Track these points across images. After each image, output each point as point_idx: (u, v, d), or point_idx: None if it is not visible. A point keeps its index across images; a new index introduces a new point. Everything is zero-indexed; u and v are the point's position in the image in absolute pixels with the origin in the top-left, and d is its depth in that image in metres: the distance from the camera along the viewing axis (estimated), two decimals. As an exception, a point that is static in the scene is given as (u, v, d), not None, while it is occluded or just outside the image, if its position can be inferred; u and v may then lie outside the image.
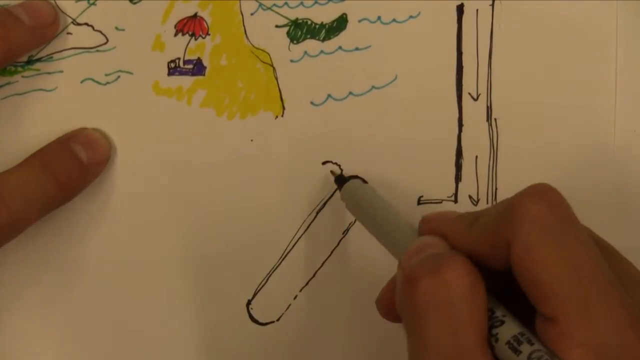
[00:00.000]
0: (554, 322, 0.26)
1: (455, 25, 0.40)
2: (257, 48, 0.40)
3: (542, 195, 0.28)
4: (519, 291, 0.27)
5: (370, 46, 0.40)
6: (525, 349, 0.27)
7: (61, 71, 0.39)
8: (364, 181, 0.41)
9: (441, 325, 0.27)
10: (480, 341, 0.27)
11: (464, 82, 0.41)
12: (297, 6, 0.39)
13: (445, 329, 0.27)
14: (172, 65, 0.39)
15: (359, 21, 0.40)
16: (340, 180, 0.40)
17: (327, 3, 0.40)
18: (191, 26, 0.39)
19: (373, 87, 0.41)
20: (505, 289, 0.29)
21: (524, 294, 0.27)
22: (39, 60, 0.38)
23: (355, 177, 0.40)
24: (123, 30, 0.39)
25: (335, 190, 0.41)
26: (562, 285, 0.26)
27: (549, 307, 0.26)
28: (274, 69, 0.40)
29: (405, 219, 0.35)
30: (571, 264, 0.26)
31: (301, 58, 0.40)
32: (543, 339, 0.27)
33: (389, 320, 0.32)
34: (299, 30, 0.40)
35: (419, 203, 0.41)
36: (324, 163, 0.41)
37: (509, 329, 0.27)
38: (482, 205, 0.42)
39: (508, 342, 0.27)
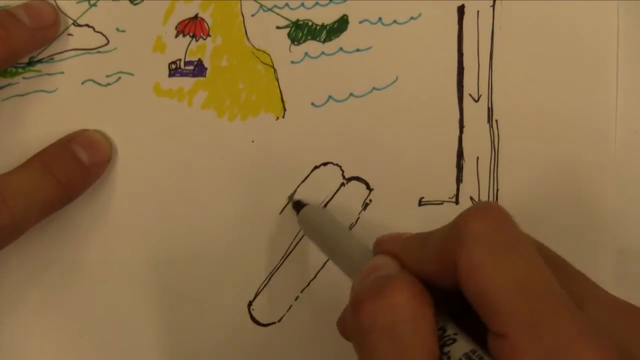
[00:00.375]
0: (504, 339, 0.26)
1: (456, 27, 0.41)
2: (258, 49, 0.40)
3: (487, 214, 0.28)
4: (471, 311, 0.28)
5: (371, 47, 0.40)
6: None
7: (62, 72, 0.39)
8: (364, 181, 0.41)
9: (388, 348, 0.27)
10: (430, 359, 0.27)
11: (465, 84, 0.41)
12: (298, 7, 0.39)
13: (392, 352, 0.27)
14: (173, 66, 0.39)
15: (360, 22, 0.40)
16: (297, 206, 0.40)
17: (328, 4, 0.40)
18: (192, 27, 0.39)
19: (374, 88, 0.41)
20: (461, 307, 0.29)
21: (472, 313, 0.27)
22: (39, 61, 0.38)
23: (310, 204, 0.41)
24: (124, 31, 0.39)
25: (337, 191, 0.41)
26: (509, 302, 0.26)
27: (498, 324, 0.26)
28: (274, 70, 0.40)
29: (361, 242, 0.35)
30: (517, 280, 0.26)
31: (302, 59, 0.40)
32: (495, 355, 0.26)
33: (349, 341, 0.32)
34: (300, 32, 0.40)
35: (420, 204, 0.41)
36: (324, 164, 0.41)
37: (461, 347, 0.27)
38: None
39: None
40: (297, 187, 0.41)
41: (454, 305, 0.29)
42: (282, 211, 0.41)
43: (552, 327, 0.26)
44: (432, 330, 0.27)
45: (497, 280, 0.26)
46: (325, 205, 0.41)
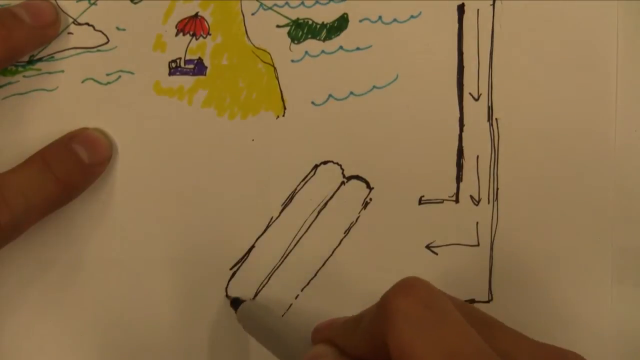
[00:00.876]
0: None
1: (456, 25, 0.41)
2: (258, 48, 0.40)
3: (410, 289, 0.28)
4: None
5: (371, 46, 0.40)
6: None
7: (62, 71, 0.39)
8: (364, 180, 0.41)
9: None
10: None
11: (465, 82, 0.41)
12: (298, 6, 0.39)
13: None
14: (173, 65, 0.39)
15: (360, 21, 0.40)
16: (235, 303, 0.40)
17: (328, 3, 0.40)
18: (192, 26, 0.39)
19: (374, 87, 0.41)
20: None
21: None
22: (40, 60, 0.38)
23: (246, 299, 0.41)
24: (124, 30, 0.39)
25: (337, 189, 0.41)
26: None
27: None
28: (275, 68, 0.40)
29: (301, 333, 0.35)
30: (446, 352, 0.26)
31: (302, 58, 0.40)
32: None
33: None
34: (300, 30, 0.40)
35: (420, 203, 0.41)
36: (324, 163, 0.41)
37: None
38: (484, 206, 0.42)
39: None
40: (298, 185, 0.41)
41: None
42: (282, 210, 0.41)
43: None
44: None
45: (427, 356, 0.26)
46: (326, 204, 0.41)
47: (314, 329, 0.34)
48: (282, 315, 0.42)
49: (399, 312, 0.27)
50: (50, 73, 0.39)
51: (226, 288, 0.41)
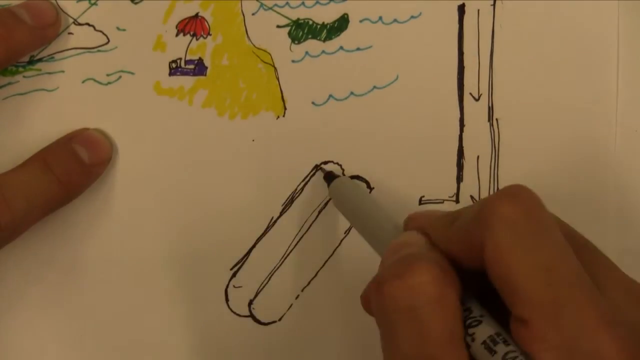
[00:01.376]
0: (526, 325, 0.26)
1: (457, 25, 0.41)
2: (258, 48, 0.40)
3: (515, 197, 0.28)
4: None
5: (371, 46, 0.40)
6: (501, 349, 0.27)
7: (62, 71, 0.39)
8: (364, 180, 0.41)
9: (409, 330, 0.27)
10: (453, 343, 0.27)
11: (465, 82, 0.41)
12: (298, 6, 0.39)
13: (413, 333, 0.27)
14: (174, 65, 0.39)
15: (360, 21, 0.40)
16: (329, 177, 0.40)
17: (328, 3, 0.40)
18: (192, 26, 0.39)
19: (374, 87, 0.41)
20: (487, 289, 0.28)
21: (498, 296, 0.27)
22: (40, 60, 0.38)
23: (344, 175, 0.40)
24: (124, 30, 0.39)
25: (337, 190, 0.41)
26: (533, 288, 0.26)
27: (521, 309, 0.26)
28: (275, 69, 0.40)
29: (392, 217, 0.35)
30: (542, 267, 0.26)
31: (302, 58, 0.40)
32: (517, 340, 0.27)
33: (371, 316, 0.32)
34: (300, 31, 0.40)
35: (420, 203, 0.41)
36: (325, 163, 0.41)
37: (485, 329, 0.27)
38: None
39: (484, 342, 0.27)
40: (298, 185, 0.41)
41: (481, 286, 0.29)
42: (282, 210, 0.41)
43: (573, 316, 0.25)
44: (454, 312, 0.27)
45: (522, 265, 0.26)
46: (326, 204, 0.41)
47: (408, 217, 0.33)
48: (280, 319, 0.42)
49: (501, 216, 0.27)
50: (50, 73, 0.39)
51: (226, 288, 0.41)
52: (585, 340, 0.25)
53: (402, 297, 0.27)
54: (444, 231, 0.30)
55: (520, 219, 0.27)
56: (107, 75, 0.39)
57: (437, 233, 0.30)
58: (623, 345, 0.25)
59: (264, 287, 0.41)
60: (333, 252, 0.41)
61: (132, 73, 0.39)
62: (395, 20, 0.40)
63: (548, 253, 0.27)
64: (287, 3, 0.39)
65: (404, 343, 0.27)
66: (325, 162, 0.41)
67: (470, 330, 0.28)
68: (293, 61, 0.40)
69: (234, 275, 0.41)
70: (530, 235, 0.27)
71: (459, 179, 0.42)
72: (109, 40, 0.39)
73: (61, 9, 0.38)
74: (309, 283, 0.42)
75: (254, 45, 0.40)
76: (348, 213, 0.38)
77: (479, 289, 0.29)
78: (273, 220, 0.41)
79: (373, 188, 0.41)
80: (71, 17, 0.38)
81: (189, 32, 0.39)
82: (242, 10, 0.39)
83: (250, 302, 0.42)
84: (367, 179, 0.41)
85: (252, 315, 0.42)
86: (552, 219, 0.28)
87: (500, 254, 0.27)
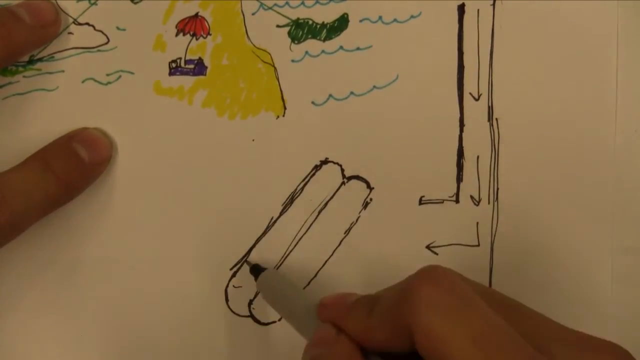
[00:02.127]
0: None
1: (457, 25, 0.41)
2: (258, 48, 0.40)
3: (433, 278, 0.29)
4: None
5: (371, 46, 0.40)
6: None
7: (62, 71, 0.39)
8: (364, 180, 0.41)
9: None
10: None
11: (465, 82, 0.41)
12: (298, 6, 0.39)
13: None
14: (173, 65, 0.39)
15: (360, 21, 0.40)
16: (256, 270, 0.40)
17: (328, 3, 0.40)
18: (192, 26, 0.39)
19: (374, 87, 0.41)
20: None
21: None
22: (40, 60, 0.38)
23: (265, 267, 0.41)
24: (124, 30, 0.39)
25: (338, 189, 0.41)
26: (468, 358, 0.27)
27: None
28: (275, 68, 0.40)
29: (312, 303, 0.35)
30: (474, 338, 0.27)
31: (302, 58, 0.40)
32: None
33: None
34: (300, 30, 0.40)
35: (420, 203, 0.41)
36: (325, 163, 0.41)
37: None
38: (484, 206, 0.42)
39: None
40: (298, 185, 0.41)
41: None
42: (282, 210, 0.41)
43: None
44: None
45: (455, 339, 0.27)
46: (326, 205, 0.41)
47: (320, 303, 0.34)
48: (280, 319, 0.42)
49: (424, 299, 0.28)
50: (50, 73, 0.39)
51: (226, 288, 0.41)
52: None
53: None
54: (362, 321, 0.31)
55: (443, 298, 0.28)
56: (107, 75, 0.39)
57: (354, 325, 0.31)
58: None
59: (263, 287, 0.41)
60: (333, 253, 0.41)
61: (132, 73, 0.39)
62: (395, 20, 0.40)
63: (477, 323, 0.27)
64: (287, 3, 0.39)
65: None
66: (326, 162, 0.41)
67: None
68: (293, 61, 0.40)
69: (234, 275, 0.41)
70: (457, 311, 0.28)
71: (459, 179, 0.42)
72: (108, 40, 0.39)
73: (61, 8, 0.38)
74: (309, 283, 0.42)
75: (254, 45, 0.40)
76: (275, 303, 0.39)
77: None
78: (273, 220, 0.41)
79: (373, 188, 0.41)
80: (71, 17, 0.38)
81: (188, 32, 0.39)
82: (242, 10, 0.39)
83: (250, 302, 0.42)
84: (367, 178, 0.41)
85: (252, 315, 0.42)
86: (474, 292, 0.29)
87: (430, 335, 0.27)
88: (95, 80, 0.39)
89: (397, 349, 0.30)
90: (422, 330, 0.28)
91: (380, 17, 0.40)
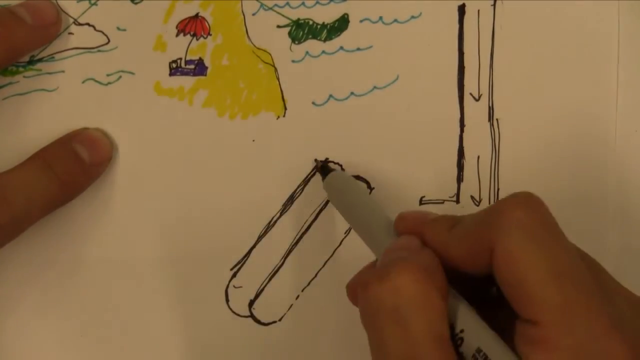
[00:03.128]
0: (535, 326, 0.26)
1: (457, 26, 0.41)
2: (258, 48, 0.40)
3: (527, 203, 0.28)
4: (495, 296, 0.28)
5: (371, 46, 0.40)
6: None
7: (63, 71, 0.39)
8: (364, 180, 0.41)
9: (394, 331, 0.27)
10: (438, 343, 0.27)
11: (465, 83, 0.41)
12: (298, 6, 0.39)
13: (398, 333, 0.27)
14: (174, 65, 0.39)
15: (361, 21, 0.40)
16: (324, 170, 0.40)
17: (328, 3, 0.40)
18: (193, 26, 0.39)
19: (374, 87, 0.41)
20: (480, 295, 0.29)
21: (499, 298, 0.28)
22: (40, 60, 0.38)
23: (338, 168, 0.40)
24: (124, 30, 0.39)
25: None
26: (544, 290, 0.26)
27: (531, 311, 0.27)
28: (275, 69, 0.40)
29: (387, 216, 0.35)
30: (553, 270, 0.27)
31: (303, 58, 0.40)
32: (524, 341, 0.27)
33: (355, 305, 0.32)
34: (301, 31, 0.40)
35: (420, 203, 0.41)
36: (325, 163, 0.41)
37: (467, 346, 0.28)
38: (484, 206, 0.41)
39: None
40: (298, 185, 0.41)
41: (472, 293, 0.29)
42: (282, 210, 0.41)
43: (585, 318, 0.26)
44: (438, 313, 0.27)
45: (535, 267, 0.27)
46: (326, 205, 0.41)
47: (399, 217, 0.33)
48: (280, 319, 0.42)
49: (514, 220, 0.27)
50: (50, 73, 0.39)
51: (226, 288, 0.41)
52: (595, 342, 0.26)
53: (386, 298, 0.28)
54: (442, 235, 0.30)
55: (532, 224, 0.27)
56: (107, 75, 0.39)
57: (434, 236, 0.31)
58: (631, 348, 0.26)
59: (264, 287, 0.41)
60: (333, 253, 0.41)
61: (132, 73, 0.39)
62: (395, 20, 0.40)
63: (560, 257, 0.27)
64: (287, 3, 0.39)
65: (390, 344, 0.27)
66: (326, 162, 0.41)
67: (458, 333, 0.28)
68: (293, 61, 0.40)
69: (234, 275, 0.41)
70: (542, 239, 0.27)
71: (459, 179, 0.42)
72: (109, 40, 0.39)
73: (61, 9, 0.38)
74: (309, 283, 0.42)
75: (254, 46, 0.40)
76: (342, 208, 0.38)
77: (469, 294, 0.29)
78: (273, 220, 0.41)
79: (373, 188, 0.41)
80: (71, 17, 0.38)
81: (189, 32, 0.39)
82: (242, 11, 0.39)
83: (251, 302, 0.42)
84: (367, 179, 0.41)
85: (252, 315, 0.42)
86: (561, 229, 0.29)
87: (514, 256, 0.27)
88: (96, 81, 0.39)
89: (471, 268, 0.29)
90: (504, 251, 0.27)
91: (380, 18, 0.40)
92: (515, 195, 0.29)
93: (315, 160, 0.41)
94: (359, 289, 0.29)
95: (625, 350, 0.25)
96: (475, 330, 0.28)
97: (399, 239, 0.32)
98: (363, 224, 0.36)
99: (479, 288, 0.29)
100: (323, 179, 0.40)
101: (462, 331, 0.28)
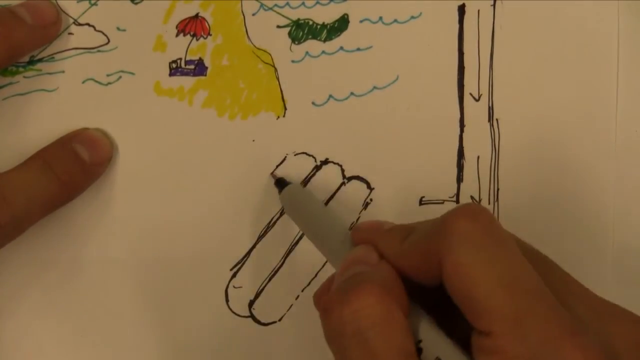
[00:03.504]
0: (489, 337, 0.26)
1: (457, 26, 0.41)
2: (258, 48, 0.40)
3: (472, 214, 0.28)
4: (453, 305, 0.28)
5: (371, 46, 0.40)
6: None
7: (63, 71, 0.39)
8: (365, 180, 0.41)
9: (358, 352, 0.27)
10: (404, 357, 0.27)
11: (465, 83, 0.41)
12: (298, 6, 0.39)
13: (362, 355, 0.27)
14: (174, 65, 0.39)
15: (361, 21, 0.40)
16: (280, 184, 0.40)
17: (328, 3, 0.40)
18: (193, 26, 0.39)
19: (374, 87, 0.41)
20: (440, 304, 0.29)
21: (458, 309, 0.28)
22: (40, 60, 0.38)
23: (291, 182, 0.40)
24: (124, 30, 0.39)
25: (338, 190, 0.41)
26: (494, 300, 0.26)
27: (482, 322, 0.26)
28: (275, 69, 0.40)
29: (343, 226, 0.35)
30: (502, 279, 0.26)
31: (302, 58, 0.40)
32: (479, 352, 0.27)
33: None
34: (301, 31, 0.40)
35: (420, 204, 0.41)
36: (325, 163, 0.41)
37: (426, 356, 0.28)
38: (484, 206, 0.42)
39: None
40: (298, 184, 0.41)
41: (432, 301, 0.29)
42: (282, 210, 0.41)
43: (537, 325, 0.26)
44: (401, 330, 0.27)
45: (483, 278, 0.27)
46: (326, 204, 0.41)
47: (355, 228, 0.33)
48: (280, 319, 0.42)
49: (460, 233, 0.27)
50: (50, 73, 0.39)
51: (226, 289, 0.41)
52: (548, 349, 0.25)
53: (348, 321, 0.27)
54: (395, 246, 0.30)
55: (479, 235, 0.27)
56: (107, 75, 0.39)
57: (388, 247, 0.31)
58: (586, 353, 0.25)
59: (264, 287, 0.41)
60: (333, 253, 0.41)
61: (132, 73, 0.39)
62: (395, 21, 0.40)
63: (508, 267, 0.27)
64: (287, 3, 0.39)
65: None
66: (326, 162, 0.41)
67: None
68: (293, 61, 0.40)
69: (234, 275, 0.41)
70: (490, 250, 0.27)
71: (459, 179, 0.42)
72: (109, 41, 0.39)
73: (61, 9, 0.38)
74: (309, 283, 0.42)
75: (254, 46, 0.40)
76: (298, 221, 0.38)
77: (428, 304, 0.29)
78: (273, 220, 0.41)
79: (373, 188, 0.41)
80: (71, 17, 0.38)
81: (189, 33, 0.39)
82: (242, 11, 0.39)
83: (251, 303, 0.42)
84: (367, 179, 0.41)
85: (252, 316, 0.42)
86: (509, 236, 0.28)
87: (461, 268, 0.27)
88: (96, 81, 0.39)
89: (425, 280, 0.29)
90: (451, 264, 0.27)
91: (380, 18, 0.40)
92: (461, 206, 0.29)
93: (272, 174, 0.41)
94: (320, 311, 0.29)
95: (580, 355, 0.25)
96: (433, 340, 0.28)
97: (355, 249, 0.32)
98: (319, 236, 0.36)
99: (440, 296, 0.29)
100: (279, 192, 0.40)
101: (420, 341, 0.28)
